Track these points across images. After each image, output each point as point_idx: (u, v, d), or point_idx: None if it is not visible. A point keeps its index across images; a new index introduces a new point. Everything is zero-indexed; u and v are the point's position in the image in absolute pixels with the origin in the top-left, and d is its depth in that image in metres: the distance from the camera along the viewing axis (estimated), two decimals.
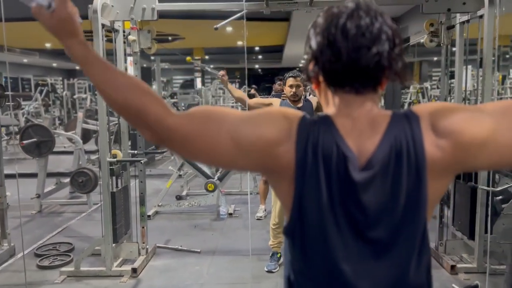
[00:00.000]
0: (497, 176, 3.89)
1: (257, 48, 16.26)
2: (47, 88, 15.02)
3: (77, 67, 16.33)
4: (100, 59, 0.87)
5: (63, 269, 3.43)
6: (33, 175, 5.67)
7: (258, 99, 4.33)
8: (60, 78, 17.89)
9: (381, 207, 0.81)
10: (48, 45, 14.44)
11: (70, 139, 6.13)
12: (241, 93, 3.97)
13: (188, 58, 4.82)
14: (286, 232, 0.88)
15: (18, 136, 5.62)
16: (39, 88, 14.54)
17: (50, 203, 5.55)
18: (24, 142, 5.22)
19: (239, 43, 12.71)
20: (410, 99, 13.05)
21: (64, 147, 9.25)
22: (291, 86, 3.48)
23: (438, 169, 0.81)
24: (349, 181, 0.80)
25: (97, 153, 7.12)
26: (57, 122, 13.30)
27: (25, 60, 17.76)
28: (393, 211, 0.81)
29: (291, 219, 0.85)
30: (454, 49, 3.55)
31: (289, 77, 3.49)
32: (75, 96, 14.79)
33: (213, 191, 4.89)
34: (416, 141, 0.80)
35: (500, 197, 3.68)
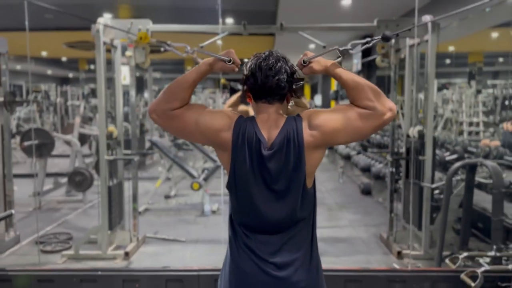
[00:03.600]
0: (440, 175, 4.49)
1: (246, 61, 16.86)
2: (41, 95, 15.48)
3: (70, 75, 16.72)
4: (198, 78, 1.42)
5: (64, 252, 3.94)
6: (27, 176, 6.23)
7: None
8: (54, 85, 18.30)
9: (279, 171, 1.38)
10: (44, 53, 14.90)
11: (68, 142, 6.63)
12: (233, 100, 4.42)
13: (223, 81, 5.48)
14: (227, 187, 1.44)
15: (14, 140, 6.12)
16: (33, 94, 14.98)
17: (48, 200, 6.02)
18: (25, 144, 5.72)
19: None
20: None
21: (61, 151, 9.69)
22: None
23: (312, 147, 1.38)
24: (261, 155, 1.37)
25: (91, 157, 7.63)
26: (52, 128, 13.71)
27: (18, 67, 18.17)
28: (286, 173, 1.38)
29: (229, 178, 1.42)
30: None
31: None
32: (68, 103, 15.26)
33: (198, 190, 5.43)
34: (298, 133, 1.37)
35: (443, 193, 4.26)
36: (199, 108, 1.43)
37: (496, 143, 6.50)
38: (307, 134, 1.37)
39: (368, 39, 1.47)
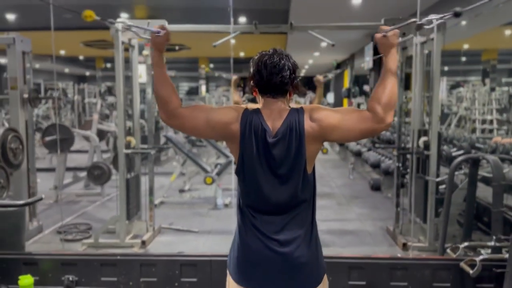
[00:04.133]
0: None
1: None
2: (59, 93, 15.88)
3: (87, 73, 17.13)
4: (163, 68, 1.59)
5: (84, 241, 4.17)
6: (48, 170, 6.48)
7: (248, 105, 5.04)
8: (71, 83, 18.73)
9: (282, 157, 1.54)
10: (62, 52, 15.28)
11: (86, 138, 6.88)
12: (237, 98, 4.68)
13: (206, 69, 5.72)
14: (235, 172, 1.61)
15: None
16: (51, 92, 15.39)
17: (68, 193, 6.28)
18: (46, 139, 5.98)
19: (241, 54, 13.51)
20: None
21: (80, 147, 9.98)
22: None
23: (311, 138, 1.53)
24: (266, 143, 1.53)
25: (108, 153, 7.89)
26: (70, 124, 14.06)
27: (37, 66, 18.66)
28: (288, 159, 1.53)
29: (238, 165, 1.59)
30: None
31: None
32: (85, 101, 15.64)
33: (211, 184, 5.62)
34: (300, 124, 1.52)
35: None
36: (206, 107, 1.62)
37: (507, 140, 6.52)
38: (308, 125, 1.52)
39: (441, 15, 1.54)
